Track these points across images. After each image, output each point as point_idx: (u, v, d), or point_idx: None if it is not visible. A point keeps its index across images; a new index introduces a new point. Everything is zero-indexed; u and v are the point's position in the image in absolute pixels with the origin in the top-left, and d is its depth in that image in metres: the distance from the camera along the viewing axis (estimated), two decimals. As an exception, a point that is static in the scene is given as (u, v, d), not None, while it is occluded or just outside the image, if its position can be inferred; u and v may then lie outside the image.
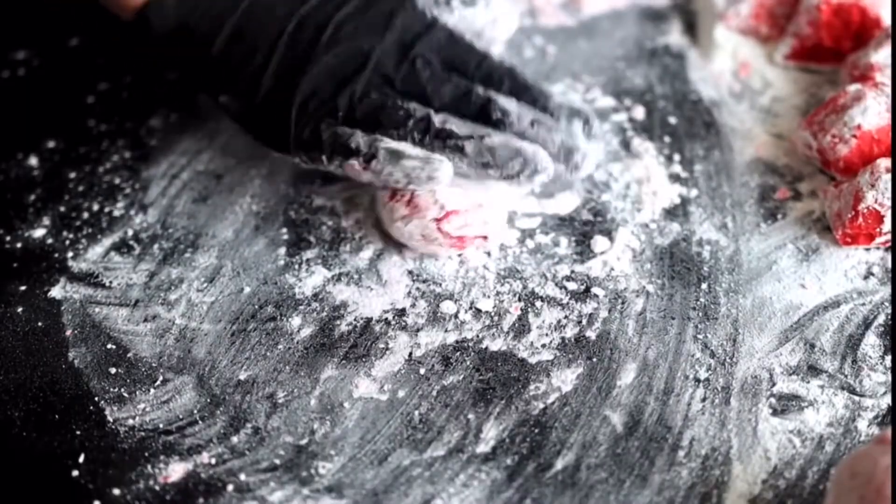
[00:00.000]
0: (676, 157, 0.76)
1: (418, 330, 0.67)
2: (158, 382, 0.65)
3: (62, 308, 0.68)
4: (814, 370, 0.65)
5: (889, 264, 0.70)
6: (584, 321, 0.67)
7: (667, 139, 0.77)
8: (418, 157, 0.67)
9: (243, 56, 0.70)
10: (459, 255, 0.71)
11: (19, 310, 0.68)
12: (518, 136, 0.68)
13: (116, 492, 0.60)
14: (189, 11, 0.70)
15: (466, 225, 0.69)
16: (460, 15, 0.74)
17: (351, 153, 0.67)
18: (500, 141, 0.67)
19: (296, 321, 0.68)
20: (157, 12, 0.70)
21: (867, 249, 0.70)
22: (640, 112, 0.79)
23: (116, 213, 0.73)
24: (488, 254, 0.71)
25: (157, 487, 0.60)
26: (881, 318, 0.67)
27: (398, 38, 0.70)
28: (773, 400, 0.64)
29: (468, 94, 0.69)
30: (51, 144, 0.77)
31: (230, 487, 0.60)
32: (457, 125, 0.67)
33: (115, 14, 0.73)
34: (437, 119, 0.67)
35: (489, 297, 0.69)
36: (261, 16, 0.70)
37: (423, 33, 0.70)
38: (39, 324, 0.67)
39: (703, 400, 0.64)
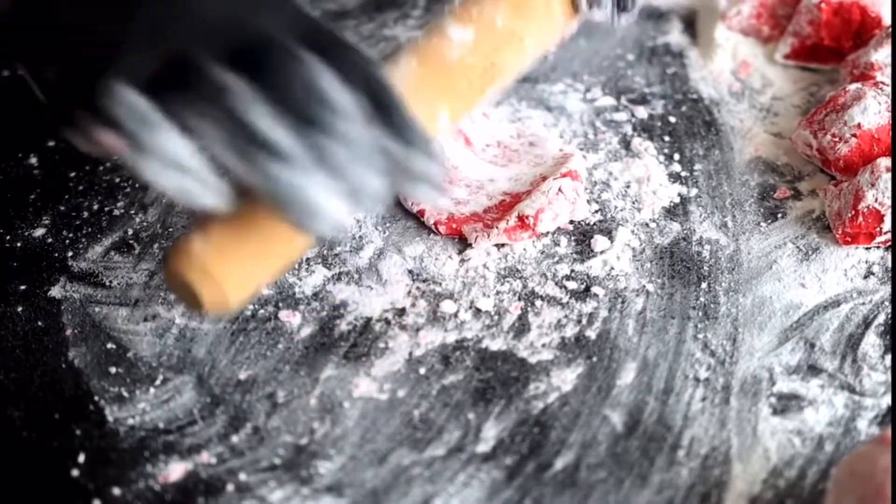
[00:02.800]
0: (676, 156, 0.76)
1: (418, 329, 0.67)
2: (158, 382, 0.65)
3: (62, 308, 0.68)
4: (814, 370, 0.65)
5: (889, 264, 0.70)
6: (584, 320, 0.67)
7: (667, 139, 0.77)
8: (198, 179, 0.55)
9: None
10: (460, 254, 0.71)
11: (19, 310, 0.68)
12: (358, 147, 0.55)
13: (116, 491, 0.60)
14: None
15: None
16: None
17: (111, 122, 0.54)
18: (286, 179, 0.54)
19: (296, 321, 0.68)
20: None
21: (867, 249, 0.70)
22: (640, 112, 0.79)
23: (116, 212, 0.73)
24: (488, 253, 0.71)
25: (157, 487, 0.60)
26: (881, 318, 0.67)
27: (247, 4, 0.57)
28: (772, 399, 0.64)
29: (298, 71, 0.55)
30: (51, 144, 0.77)
31: (230, 487, 0.60)
32: (283, 131, 0.54)
33: None
34: (263, 120, 0.53)
35: (489, 296, 0.69)
36: None
37: (278, 6, 0.57)
38: (39, 324, 0.67)
39: (703, 399, 0.64)
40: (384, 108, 0.56)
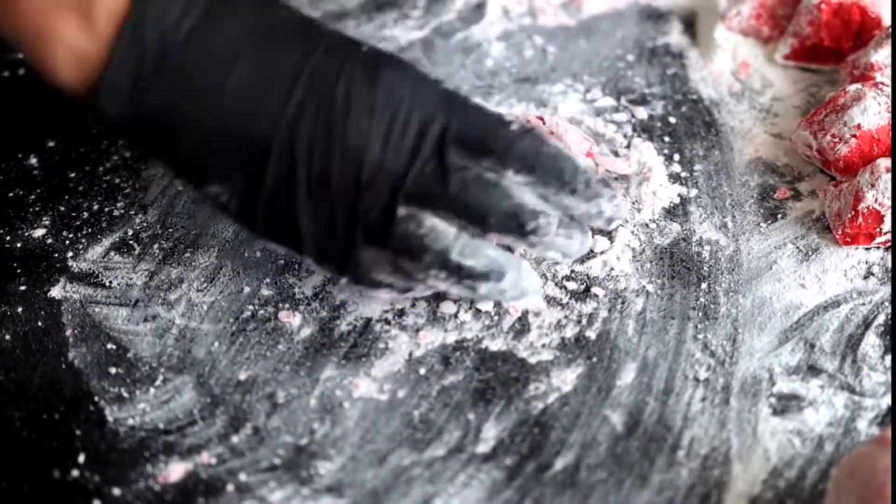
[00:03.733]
0: (676, 156, 0.76)
1: (418, 330, 0.67)
2: (158, 382, 0.65)
3: (62, 308, 0.68)
4: (814, 370, 0.65)
5: (889, 264, 0.70)
6: (584, 321, 0.67)
7: (667, 139, 0.77)
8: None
9: (230, 159, 0.61)
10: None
11: (19, 310, 0.68)
12: (540, 244, 0.63)
13: (116, 492, 0.60)
14: (147, 101, 0.61)
15: None
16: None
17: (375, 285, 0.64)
18: (510, 283, 0.63)
19: (296, 321, 0.68)
20: (108, 101, 0.61)
21: (867, 249, 0.70)
22: (640, 112, 0.79)
23: (116, 213, 0.73)
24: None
25: (157, 487, 0.60)
26: (881, 318, 0.67)
27: (410, 128, 0.61)
28: (772, 400, 0.64)
29: (495, 198, 0.62)
30: (51, 144, 0.77)
31: (230, 487, 0.60)
32: (475, 257, 0.62)
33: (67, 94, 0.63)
34: (455, 252, 0.61)
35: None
36: (247, 111, 0.61)
37: (435, 113, 0.62)
38: (39, 324, 0.67)
39: (703, 400, 0.64)
40: (557, 176, 0.63)
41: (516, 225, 0.62)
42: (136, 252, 0.71)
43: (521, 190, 0.63)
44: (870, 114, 0.72)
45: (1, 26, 0.62)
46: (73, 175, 0.75)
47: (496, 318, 0.67)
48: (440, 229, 0.62)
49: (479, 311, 0.68)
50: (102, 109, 0.61)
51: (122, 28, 0.60)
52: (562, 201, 0.64)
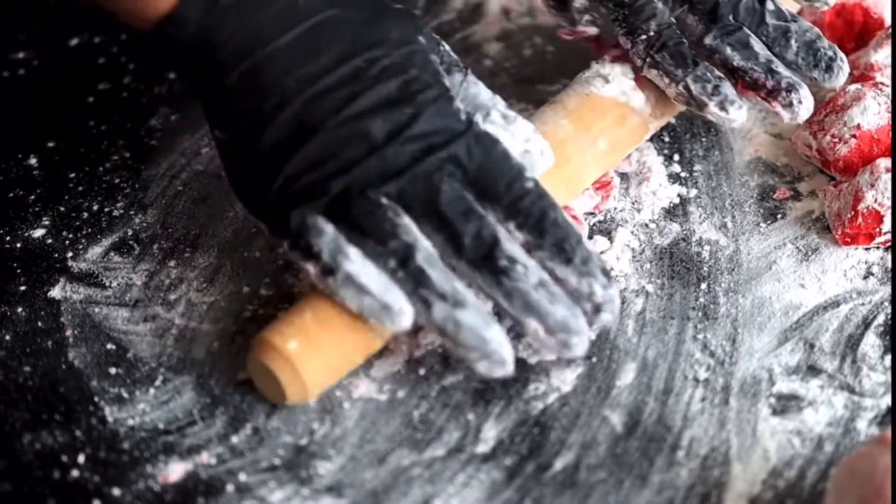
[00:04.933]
0: (676, 156, 0.76)
1: (418, 330, 0.67)
2: (158, 382, 0.65)
3: (62, 308, 0.68)
4: (813, 370, 0.65)
5: (889, 264, 0.70)
6: (584, 321, 0.67)
7: (667, 139, 0.77)
8: (377, 301, 0.60)
9: (252, 101, 0.63)
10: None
11: (19, 310, 0.68)
12: (517, 295, 0.60)
13: (116, 492, 0.60)
14: (212, 34, 0.63)
15: None
16: (501, 134, 0.65)
17: (310, 256, 0.61)
18: (469, 321, 0.59)
19: (296, 321, 0.68)
20: (177, 29, 0.63)
21: (867, 249, 0.70)
22: (639, 112, 0.79)
23: (116, 213, 0.73)
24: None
25: (157, 487, 0.60)
26: (881, 318, 0.67)
27: (421, 137, 0.62)
28: (772, 400, 0.64)
29: (478, 222, 0.61)
30: (51, 144, 0.77)
31: (230, 487, 0.60)
32: (439, 273, 0.60)
33: (132, 24, 0.65)
34: (421, 255, 0.60)
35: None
36: (283, 66, 0.63)
37: (453, 137, 0.62)
38: (39, 324, 0.67)
39: (703, 400, 0.64)
40: (557, 242, 0.62)
41: (488, 257, 0.60)
42: (136, 252, 0.71)
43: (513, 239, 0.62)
44: (870, 114, 0.72)
45: None
46: (73, 175, 0.75)
47: (496, 318, 0.67)
48: (416, 231, 0.61)
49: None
50: (168, 39, 0.63)
51: None
52: (555, 269, 0.61)
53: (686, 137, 0.77)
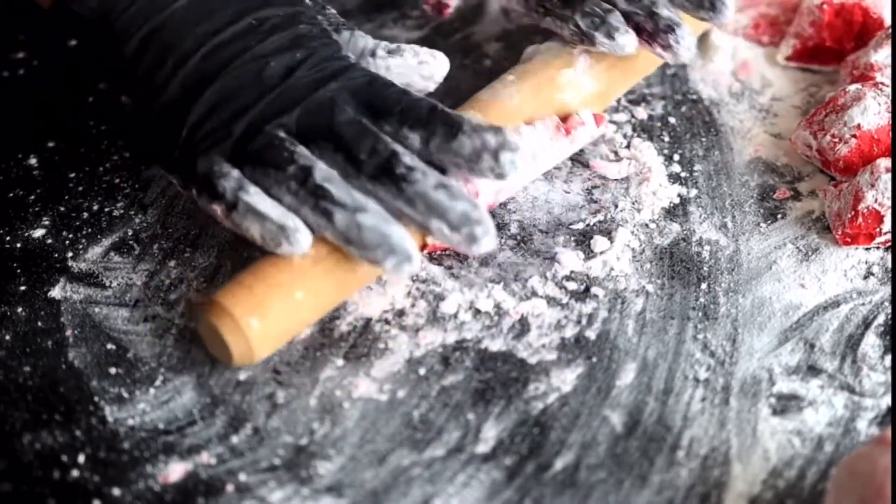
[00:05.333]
0: (676, 156, 0.76)
1: (418, 330, 0.67)
2: (158, 383, 0.65)
3: (62, 308, 0.68)
4: (813, 370, 0.65)
5: (889, 264, 0.70)
6: (584, 321, 0.67)
7: (666, 139, 0.77)
8: (275, 223, 0.62)
9: (152, 62, 0.68)
10: (460, 254, 0.71)
11: (19, 310, 0.68)
12: (419, 199, 0.62)
13: (116, 492, 0.60)
14: (111, 5, 0.69)
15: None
16: (385, 65, 0.70)
17: (216, 196, 0.63)
18: (370, 222, 0.61)
19: (296, 321, 0.68)
20: (78, 4, 0.70)
21: (867, 249, 0.70)
22: (639, 112, 0.79)
23: (116, 213, 0.73)
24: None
25: (157, 487, 0.60)
26: (881, 318, 0.67)
27: (314, 73, 0.67)
28: (772, 400, 0.64)
29: (373, 139, 0.64)
30: (51, 144, 0.77)
31: (230, 487, 0.60)
32: (338, 187, 0.62)
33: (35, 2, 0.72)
34: (319, 174, 0.63)
35: (489, 297, 0.69)
36: (180, 27, 0.68)
37: (341, 72, 0.67)
38: (39, 324, 0.67)
39: (703, 400, 0.64)
40: (450, 134, 0.64)
41: (387, 168, 0.63)
42: (136, 252, 0.71)
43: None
44: (870, 114, 0.72)
45: None
46: (73, 175, 0.75)
47: (496, 318, 0.68)
48: (312, 156, 0.64)
49: (479, 311, 0.68)
50: (68, 12, 0.70)
51: None
52: (450, 156, 0.64)
53: (686, 137, 0.77)
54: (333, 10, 0.72)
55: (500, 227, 0.72)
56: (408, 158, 0.63)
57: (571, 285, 0.69)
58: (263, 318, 0.62)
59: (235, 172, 0.64)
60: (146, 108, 0.68)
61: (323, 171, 0.63)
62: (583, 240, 0.71)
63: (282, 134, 0.65)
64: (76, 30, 0.72)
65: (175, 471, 0.61)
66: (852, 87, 0.73)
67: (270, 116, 0.65)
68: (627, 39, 0.71)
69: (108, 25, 0.69)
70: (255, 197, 0.63)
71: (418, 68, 0.69)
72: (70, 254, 0.71)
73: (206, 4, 0.69)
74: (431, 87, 0.70)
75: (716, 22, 0.73)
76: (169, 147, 0.67)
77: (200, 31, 0.68)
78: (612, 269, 0.70)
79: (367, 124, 0.64)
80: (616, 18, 0.72)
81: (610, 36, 0.71)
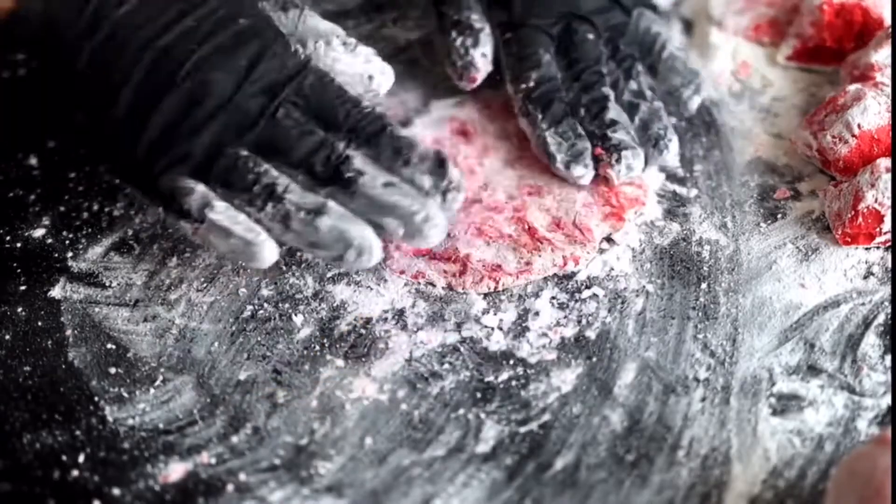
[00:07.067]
0: (676, 156, 0.76)
1: (418, 330, 0.67)
2: (158, 382, 0.65)
3: (62, 308, 0.68)
4: (814, 370, 0.65)
5: (889, 264, 0.70)
6: (584, 321, 0.67)
7: (667, 139, 0.77)
8: (240, 239, 0.64)
9: (101, 73, 0.67)
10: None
11: (19, 310, 0.68)
12: (369, 199, 0.65)
13: (116, 492, 0.60)
14: (57, 17, 0.68)
15: None
16: (334, 56, 0.69)
17: (183, 215, 0.65)
18: (328, 223, 0.63)
19: (296, 321, 0.68)
20: (21, 24, 0.69)
21: (867, 249, 0.70)
22: (640, 112, 0.79)
23: (116, 213, 0.73)
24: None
25: (157, 487, 0.60)
26: (881, 318, 0.67)
27: (263, 83, 0.66)
28: (772, 400, 0.64)
29: (326, 150, 0.66)
30: (51, 144, 0.77)
31: (230, 487, 0.60)
32: (296, 194, 0.64)
33: None
34: (280, 188, 0.65)
35: (489, 296, 0.69)
36: (126, 33, 0.67)
37: (292, 78, 0.67)
38: (39, 324, 0.67)
39: (703, 400, 0.64)
40: (395, 150, 0.66)
41: (338, 174, 0.65)
42: (136, 252, 0.71)
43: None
44: (870, 114, 0.72)
45: None
46: (73, 175, 0.75)
47: (496, 318, 0.68)
48: (274, 173, 0.65)
49: (479, 311, 0.68)
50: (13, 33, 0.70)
51: None
52: (400, 175, 0.66)
53: (686, 137, 0.77)
54: None
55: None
56: (356, 164, 0.65)
57: (571, 285, 0.69)
58: None
59: (200, 187, 0.65)
60: (101, 122, 0.67)
61: (284, 185, 0.65)
62: (583, 240, 0.71)
63: (243, 153, 0.65)
64: (28, 48, 0.72)
65: (175, 471, 0.61)
66: (852, 87, 0.74)
67: (228, 138, 0.66)
68: (584, 173, 0.72)
69: (58, 38, 0.68)
70: (221, 213, 0.64)
71: (363, 72, 0.70)
72: (70, 253, 0.71)
73: (150, 5, 0.68)
74: (382, 86, 0.71)
75: (659, 161, 0.73)
76: (127, 162, 0.67)
77: (144, 35, 0.67)
78: (612, 268, 0.70)
79: (319, 137, 0.66)
80: (582, 148, 0.72)
81: (567, 166, 0.72)
